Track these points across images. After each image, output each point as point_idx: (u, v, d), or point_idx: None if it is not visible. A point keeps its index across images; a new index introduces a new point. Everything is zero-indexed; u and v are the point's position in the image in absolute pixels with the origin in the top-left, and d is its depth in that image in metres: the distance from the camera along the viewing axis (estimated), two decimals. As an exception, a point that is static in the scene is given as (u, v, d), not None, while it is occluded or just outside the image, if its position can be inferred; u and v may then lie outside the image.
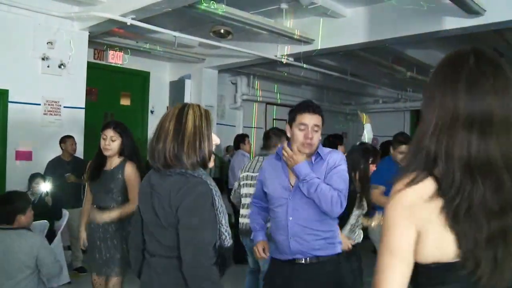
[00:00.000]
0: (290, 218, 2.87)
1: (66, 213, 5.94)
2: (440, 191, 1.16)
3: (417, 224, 1.19)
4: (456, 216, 1.14)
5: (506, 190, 1.12)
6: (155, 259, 2.20)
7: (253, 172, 4.45)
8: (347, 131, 14.45)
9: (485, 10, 5.74)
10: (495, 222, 1.12)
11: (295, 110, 2.89)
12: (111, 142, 3.80)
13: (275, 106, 12.32)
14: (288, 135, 2.96)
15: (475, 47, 1.28)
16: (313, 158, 2.91)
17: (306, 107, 2.87)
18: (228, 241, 2.18)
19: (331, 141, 6.98)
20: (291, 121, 2.90)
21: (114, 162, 3.86)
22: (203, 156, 2.15)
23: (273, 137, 4.66)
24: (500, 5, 5.64)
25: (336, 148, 6.82)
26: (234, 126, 11.19)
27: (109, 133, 3.81)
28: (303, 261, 2.86)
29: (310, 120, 2.83)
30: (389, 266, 1.24)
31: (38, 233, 3.60)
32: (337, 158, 2.92)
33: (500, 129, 1.17)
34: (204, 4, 5.84)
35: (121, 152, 3.85)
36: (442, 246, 1.17)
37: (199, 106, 2.25)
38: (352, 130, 14.47)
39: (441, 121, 1.21)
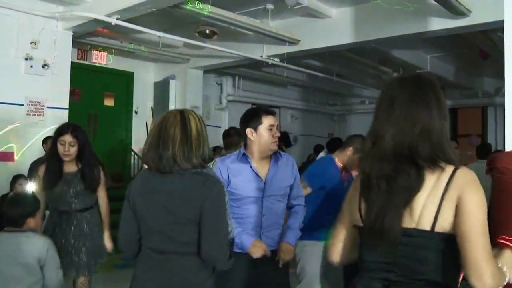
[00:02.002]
0: (264, 215, 3.06)
1: (48, 214, 5.86)
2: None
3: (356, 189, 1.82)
4: (361, 187, 1.77)
5: (387, 173, 1.66)
6: (165, 256, 2.26)
7: None
8: (333, 131, 14.49)
9: (471, 11, 5.78)
10: (383, 194, 1.66)
11: (260, 114, 3.12)
12: (70, 147, 3.71)
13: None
14: (251, 138, 3.12)
15: (398, 77, 1.85)
16: (273, 158, 3.18)
17: (270, 110, 3.20)
18: (233, 233, 2.42)
19: (336, 143, 6.93)
20: (256, 124, 3.10)
21: (73, 166, 3.80)
22: (205, 156, 2.34)
23: (235, 135, 4.72)
24: (485, 6, 5.67)
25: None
26: (220, 127, 11.15)
27: (67, 138, 3.72)
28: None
29: (275, 121, 3.14)
30: (338, 219, 1.93)
31: (46, 236, 3.47)
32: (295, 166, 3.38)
33: (395, 127, 1.68)
34: (190, 5, 5.80)
35: (78, 156, 3.78)
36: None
37: (194, 111, 2.42)
38: (338, 131, 14.50)
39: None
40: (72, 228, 3.77)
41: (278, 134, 3.12)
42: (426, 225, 1.61)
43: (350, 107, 14.67)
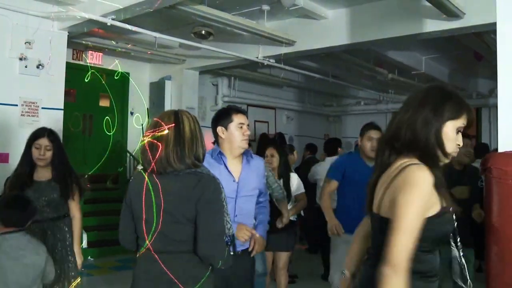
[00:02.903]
0: (237, 216, 3.11)
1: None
2: None
3: None
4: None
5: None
6: (163, 255, 2.28)
7: None
8: (329, 132, 14.50)
9: (464, 13, 5.80)
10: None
11: (231, 113, 3.21)
12: (46, 151, 3.61)
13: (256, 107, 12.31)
14: (222, 136, 3.20)
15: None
16: (245, 158, 3.26)
17: (240, 109, 3.30)
18: (232, 230, 2.46)
19: (332, 145, 7.00)
20: (227, 122, 3.18)
21: (46, 173, 3.68)
22: (198, 156, 2.37)
23: None
24: (479, 8, 5.69)
25: (336, 152, 6.87)
26: (215, 127, 11.14)
27: (44, 142, 3.62)
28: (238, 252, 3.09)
29: (245, 120, 3.24)
30: None
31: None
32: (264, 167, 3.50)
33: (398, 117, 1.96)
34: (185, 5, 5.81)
35: (52, 162, 3.68)
36: None
37: (188, 112, 2.49)
38: (333, 132, 14.51)
39: None
40: (47, 238, 3.64)
41: (249, 132, 3.22)
42: (376, 210, 1.94)
43: (346, 108, 14.67)
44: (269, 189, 4.42)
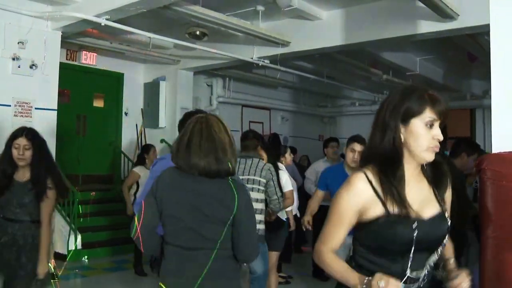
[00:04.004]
0: None
1: None
2: None
3: None
4: None
5: None
6: (195, 252, 2.35)
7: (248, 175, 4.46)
8: (324, 133, 14.51)
9: (458, 15, 5.82)
10: None
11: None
12: (24, 151, 3.52)
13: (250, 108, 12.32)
14: None
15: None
16: None
17: (205, 113, 3.29)
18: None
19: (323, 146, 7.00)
20: None
21: (26, 173, 3.58)
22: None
23: (254, 139, 4.72)
24: (473, 9, 5.72)
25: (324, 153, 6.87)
26: (210, 128, 11.11)
27: (22, 141, 3.52)
28: None
29: None
30: None
31: None
32: None
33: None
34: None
35: (32, 164, 3.57)
36: None
37: None
38: (328, 133, 14.51)
39: None
40: (18, 239, 3.52)
41: None
42: None
43: (340, 109, 14.69)
44: (268, 199, 4.49)
